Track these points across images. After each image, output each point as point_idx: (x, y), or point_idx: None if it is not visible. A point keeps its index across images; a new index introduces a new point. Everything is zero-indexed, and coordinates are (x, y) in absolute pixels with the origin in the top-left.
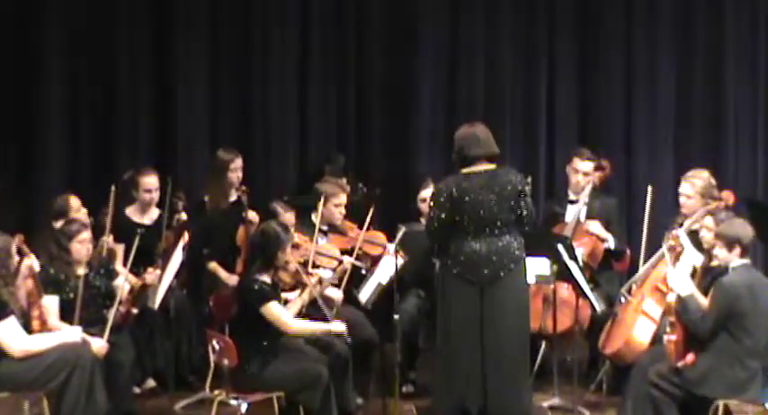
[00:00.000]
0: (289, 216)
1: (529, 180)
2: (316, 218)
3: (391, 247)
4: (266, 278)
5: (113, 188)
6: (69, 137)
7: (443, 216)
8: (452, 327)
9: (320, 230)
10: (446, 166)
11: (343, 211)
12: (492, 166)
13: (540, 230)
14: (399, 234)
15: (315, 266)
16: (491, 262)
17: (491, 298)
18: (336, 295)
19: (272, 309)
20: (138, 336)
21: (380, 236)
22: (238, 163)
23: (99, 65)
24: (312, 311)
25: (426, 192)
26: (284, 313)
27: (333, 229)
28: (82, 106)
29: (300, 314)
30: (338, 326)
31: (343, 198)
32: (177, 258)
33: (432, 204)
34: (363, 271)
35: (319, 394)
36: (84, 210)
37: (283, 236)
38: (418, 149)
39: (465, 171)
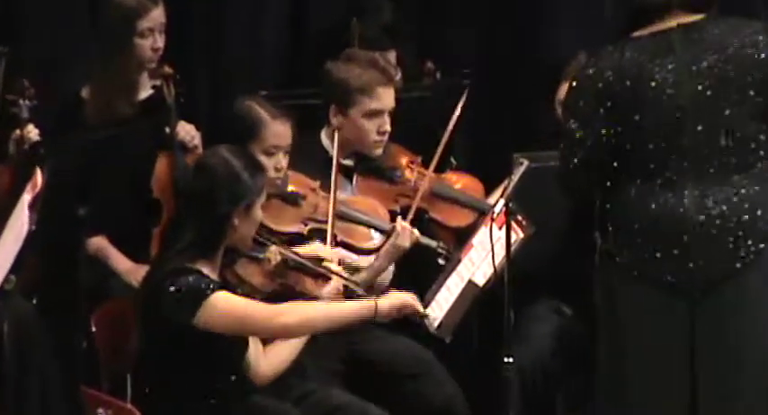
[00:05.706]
0: (282, 130)
1: None
2: (331, 141)
3: (496, 204)
4: (206, 270)
5: None
6: None
7: (598, 130)
8: (633, 375)
9: (342, 167)
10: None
11: (387, 126)
12: (697, 17)
13: None
14: (516, 174)
15: (337, 244)
16: (712, 239)
17: (715, 318)
18: (384, 278)
19: (228, 301)
20: None
21: (472, 183)
22: (156, 15)
23: None
24: None
25: None
26: (256, 304)
27: (366, 164)
28: None
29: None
30: (398, 299)
31: (385, 98)
32: (18, 226)
33: (566, 107)
34: (441, 256)
35: None
36: None
37: (248, 179)
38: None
39: (638, 33)
